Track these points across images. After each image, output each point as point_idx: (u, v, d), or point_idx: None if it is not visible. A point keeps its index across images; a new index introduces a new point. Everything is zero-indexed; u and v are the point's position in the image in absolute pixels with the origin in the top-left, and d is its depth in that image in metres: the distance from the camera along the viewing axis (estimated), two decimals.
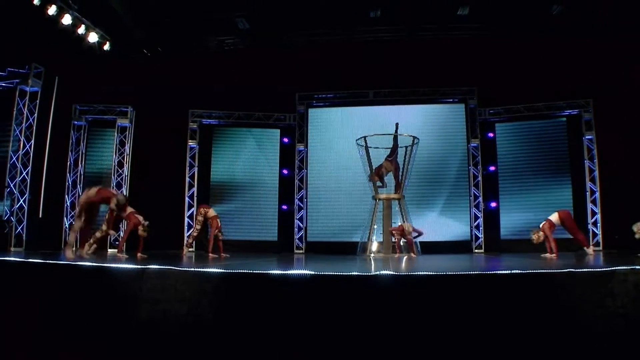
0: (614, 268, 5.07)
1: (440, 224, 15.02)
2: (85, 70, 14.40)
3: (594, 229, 14.08)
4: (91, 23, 13.14)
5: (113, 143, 14.87)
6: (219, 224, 11.66)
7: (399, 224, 12.72)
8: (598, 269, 5.19)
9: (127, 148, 14.85)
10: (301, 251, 15.24)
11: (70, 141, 14.74)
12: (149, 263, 6.22)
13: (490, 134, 15.53)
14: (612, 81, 13.81)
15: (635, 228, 9.46)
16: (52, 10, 12.04)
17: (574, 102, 14.74)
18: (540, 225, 10.48)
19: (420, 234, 12.54)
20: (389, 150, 13.60)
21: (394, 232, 12.47)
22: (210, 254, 11.29)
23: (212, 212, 11.76)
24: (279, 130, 16.12)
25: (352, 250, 13.74)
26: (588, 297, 5.02)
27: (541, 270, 5.34)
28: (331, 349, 5.01)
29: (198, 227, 11.79)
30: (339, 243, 14.83)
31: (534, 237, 10.42)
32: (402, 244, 12.54)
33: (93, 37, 13.36)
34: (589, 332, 4.92)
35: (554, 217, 10.56)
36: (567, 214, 10.74)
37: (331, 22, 14.54)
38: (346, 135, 15.00)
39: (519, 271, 5.23)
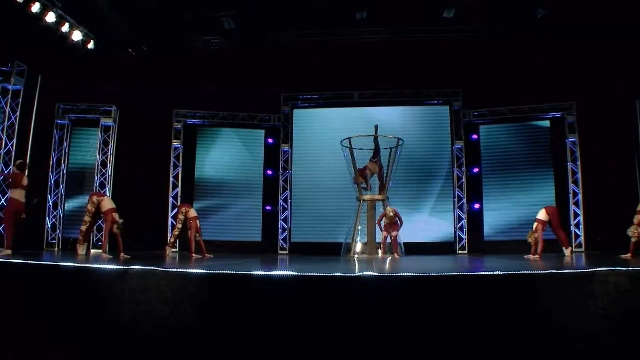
0: (595, 269, 5.11)
1: (424, 225, 15.06)
2: (68, 69, 14.29)
3: (577, 230, 14.19)
4: (75, 21, 13.04)
5: (96, 142, 14.75)
6: (198, 225, 11.62)
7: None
8: (579, 270, 5.23)
9: (111, 147, 14.75)
10: (285, 252, 15.22)
11: (53, 140, 14.62)
12: (132, 263, 6.18)
13: (474, 136, 15.61)
14: (596, 84, 13.93)
15: (629, 232, 9.52)
16: (35, 7, 11.91)
17: (558, 105, 14.86)
18: (534, 227, 10.55)
19: (400, 221, 12.54)
20: (373, 151, 13.64)
21: (382, 220, 12.51)
22: (192, 255, 11.25)
23: (192, 213, 11.71)
24: (263, 131, 16.11)
25: (336, 251, 13.74)
26: (569, 298, 5.06)
27: (523, 272, 5.38)
28: (314, 349, 5.01)
29: (179, 226, 11.74)
30: (323, 244, 14.81)
31: (531, 239, 10.50)
32: (387, 243, 12.53)
33: (77, 36, 13.27)
34: (571, 333, 4.96)
35: (542, 214, 10.63)
36: (554, 210, 10.82)
37: (317, 23, 14.52)
38: (331, 137, 14.96)
39: (501, 272, 5.26)
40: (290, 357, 5.04)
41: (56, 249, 14.11)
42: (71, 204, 14.67)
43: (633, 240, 9.33)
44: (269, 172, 15.86)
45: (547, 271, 5.26)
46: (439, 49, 15.12)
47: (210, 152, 15.80)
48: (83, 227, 10.33)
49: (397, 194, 14.32)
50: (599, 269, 5.12)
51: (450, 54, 15.13)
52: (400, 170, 14.16)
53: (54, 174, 14.58)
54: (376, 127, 13.92)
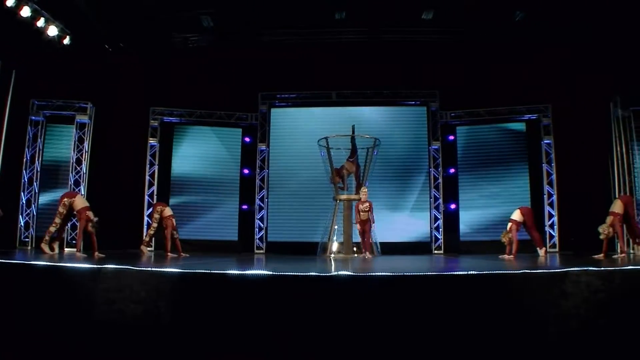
0: (567, 269, 5.17)
1: (400, 225, 15.12)
2: (44, 65, 14.09)
3: (551, 231, 14.35)
4: (51, 16, 12.85)
5: (71, 140, 14.56)
6: (174, 224, 11.55)
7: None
8: (552, 270, 5.29)
9: (86, 145, 14.53)
10: (262, 251, 15.18)
11: (27, 137, 14.36)
12: (106, 263, 6.12)
13: (451, 137, 15.70)
14: (571, 87, 14.13)
15: (600, 229, 9.66)
16: (10, 1, 11.67)
17: (534, 107, 15.00)
18: (508, 227, 10.66)
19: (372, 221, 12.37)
20: (350, 151, 13.69)
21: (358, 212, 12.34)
22: (168, 254, 11.18)
23: (168, 211, 11.63)
24: (240, 130, 16.03)
25: (313, 250, 13.74)
26: (542, 297, 5.12)
27: (497, 271, 5.43)
28: (288, 348, 5.00)
29: (155, 225, 11.67)
30: (299, 243, 14.80)
31: (505, 239, 10.59)
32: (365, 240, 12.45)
33: (52, 31, 13.05)
34: (544, 332, 5.01)
35: (517, 215, 10.75)
36: (528, 211, 10.94)
37: (296, 23, 14.52)
38: (308, 136, 14.93)
39: (476, 272, 5.30)
40: (264, 356, 5.03)
41: (29, 247, 13.91)
42: (46, 198, 14.43)
43: (601, 237, 9.49)
44: (246, 171, 15.81)
45: (521, 271, 5.32)
46: (417, 50, 15.23)
47: (187, 150, 15.68)
48: (52, 229, 10.15)
49: (374, 194, 14.34)
50: (572, 269, 5.18)
51: (428, 55, 15.24)
52: (378, 170, 14.22)
53: (28, 171, 14.35)
54: (353, 127, 13.96)
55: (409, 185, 15.41)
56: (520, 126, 15.36)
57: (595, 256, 9.31)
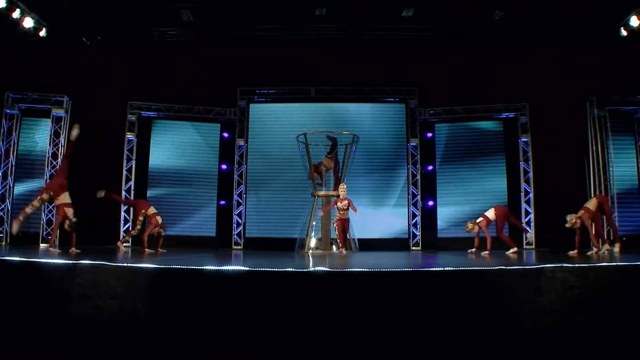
0: (542, 265, 5.23)
1: (378, 221, 15.20)
2: (19, 57, 13.90)
3: (527, 228, 14.50)
4: (27, 7, 12.68)
5: (47, 133, 14.40)
6: (159, 221, 11.44)
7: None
8: (527, 267, 5.35)
9: (62, 139, 14.37)
10: (239, 247, 15.14)
11: (2, 130, 14.17)
12: (81, 258, 6.06)
13: (429, 134, 15.80)
14: (548, 86, 14.27)
15: (568, 217, 9.84)
16: None
17: (511, 105, 15.17)
18: (478, 221, 10.76)
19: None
20: (329, 147, 13.71)
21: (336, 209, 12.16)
22: (145, 250, 11.11)
23: (151, 210, 11.54)
24: (219, 125, 15.97)
25: (291, 246, 13.77)
26: (518, 294, 5.17)
27: (473, 268, 5.48)
28: (265, 344, 5.01)
29: (138, 227, 11.58)
30: (278, 239, 14.83)
31: (469, 226, 10.73)
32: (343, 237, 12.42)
33: (28, 22, 12.88)
34: (519, 328, 5.07)
35: (490, 213, 10.85)
36: (502, 213, 11.01)
37: (276, 18, 14.48)
38: (287, 132, 14.96)
39: (452, 268, 5.35)
40: (241, 352, 5.03)
41: (4, 243, 13.74)
42: (20, 189, 14.26)
43: (567, 225, 9.70)
44: (224, 166, 15.76)
45: (497, 267, 5.37)
46: (397, 47, 15.32)
47: (164, 145, 15.57)
48: (28, 210, 9.84)
49: (351, 190, 14.38)
50: (547, 265, 5.25)
51: (408, 53, 15.33)
52: (356, 166, 14.29)
53: (2, 165, 14.16)
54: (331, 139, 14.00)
55: (387, 182, 15.48)
56: (498, 124, 15.51)
57: (570, 252, 9.47)
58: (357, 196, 14.02)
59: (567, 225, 9.78)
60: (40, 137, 14.56)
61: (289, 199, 15.28)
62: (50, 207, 13.87)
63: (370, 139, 14.91)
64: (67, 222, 9.59)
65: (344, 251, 12.03)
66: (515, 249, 10.80)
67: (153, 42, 15.29)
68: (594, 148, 14.02)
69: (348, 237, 12.56)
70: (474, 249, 10.74)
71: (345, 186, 12.29)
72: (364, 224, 13.95)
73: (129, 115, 15.23)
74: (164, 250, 11.30)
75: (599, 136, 13.99)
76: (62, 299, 5.36)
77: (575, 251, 9.60)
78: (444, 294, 5.16)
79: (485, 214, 10.85)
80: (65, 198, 9.94)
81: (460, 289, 5.20)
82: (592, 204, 10.11)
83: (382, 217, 15.28)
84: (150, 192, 15.03)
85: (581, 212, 9.88)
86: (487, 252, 10.34)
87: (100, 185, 11.78)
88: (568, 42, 13.84)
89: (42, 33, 13.46)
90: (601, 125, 14.04)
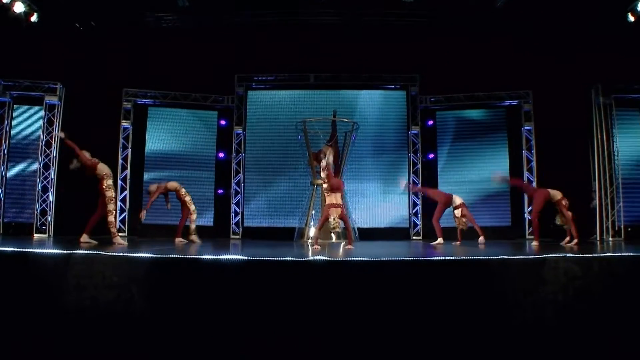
0: (546, 255, 5.22)
1: (379, 210, 15.17)
2: (10, 43, 13.79)
3: (529, 217, 14.46)
4: None
5: (41, 122, 14.33)
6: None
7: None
8: (530, 257, 5.33)
9: (56, 127, 14.32)
10: (238, 237, 15.12)
11: None
12: (76, 248, 6.05)
13: (430, 122, 15.75)
14: (552, 73, 14.18)
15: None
16: None
17: (514, 93, 15.11)
18: (460, 214, 10.91)
19: None
20: (329, 135, 13.65)
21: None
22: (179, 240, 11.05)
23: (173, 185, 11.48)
24: (216, 112, 15.89)
25: (290, 236, 13.74)
26: (520, 284, 5.16)
27: (475, 257, 5.46)
28: (264, 334, 5.00)
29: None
30: (276, 229, 14.82)
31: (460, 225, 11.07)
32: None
33: (19, 7, 12.74)
34: (521, 318, 5.06)
35: (457, 199, 11.32)
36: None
37: (274, 3, 14.40)
38: (286, 119, 14.92)
39: (453, 257, 5.33)
40: (239, 343, 5.02)
41: None
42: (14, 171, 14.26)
43: (557, 222, 9.81)
44: (222, 154, 15.70)
45: (499, 257, 5.35)
46: (397, 33, 15.19)
47: (161, 133, 15.48)
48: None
49: (352, 178, 14.39)
50: (550, 255, 5.23)
51: (408, 39, 15.19)
52: (356, 154, 14.29)
53: None
54: (334, 112, 13.91)
55: (387, 170, 15.41)
56: (500, 112, 15.44)
57: (568, 244, 9.58)
58: (355, 185, 14.05)
59: (558, 222, 9.96)
60: (33, 125, 14.45)
61: (288, 187, 15.24)
62: (44, 196, 13.88)
63: (365, 126, 14.82)
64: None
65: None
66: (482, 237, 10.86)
67: (148, 28, 15.18)
68: (599, 136, 13.96)
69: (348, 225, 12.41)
70: (458, 242, 10.80)
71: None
72: (364, 213, 13.92)
73: (125, 103, 15.13)
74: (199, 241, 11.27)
75: (604, 124, 13.93)
76: (56, 290, 5.35)
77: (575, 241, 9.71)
78: (445, 283, 5.15)
79: (456, 202, 11.00)
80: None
81: (462, 278, 5.18)
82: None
83: (380, 205, 15.23)
84: (145, 180, 14.94)
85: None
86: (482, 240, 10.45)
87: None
88: (573, 27, 13.74)
89: (34, 18, 13.32)
90: (606, 113, 13.98)
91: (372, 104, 15.74)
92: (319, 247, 9.01)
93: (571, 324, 5.03)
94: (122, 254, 5.50)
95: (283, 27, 15.15)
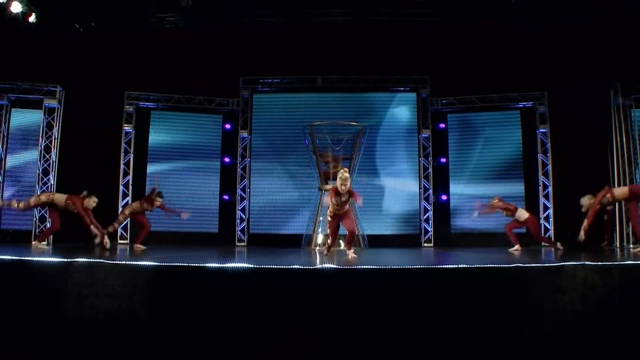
0: (563, 263, 5.18)
1: (388, 217, 15.13)
2: (7, 44, 13.84)
3: (546, 224, 14.41)
4: None
5: (39, 125, 14.37)
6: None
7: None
8: (547, 264, 5.30)
9: (56, 131, 14.36)
10: (243, 244, 15.10)
11: None
12: (76, 255, 6.05)
13: (442, 125, 15.69)
14: (569, 73, 14.09)
15: (582, 201, 9.86)
16: None
17: (529, 94, 15.03)
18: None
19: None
20: (336, 139, 13.64)
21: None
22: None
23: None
24: (221, 116, 15.91)
25: (297, 243, 13.73)
26: (537, 292, 5.12)
27: (489, 265, 5.43)
28: (270, 343, 4.98)
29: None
30: (283, 235, 14.81)
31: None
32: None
33: (16, 7, 12.72)
34: (538, 328, 5.02)
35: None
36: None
37: (279, 3, 14.40)
38: (292, 123, 14.93)
39: (466, 265, 5.30)
40: (245, 354, 5.01)
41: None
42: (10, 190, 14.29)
43: (584, 210, 9.66)
44: (227, 159, 15.71)
45: (514, 265, 5.32)
46: (407, 33, 15.11)
47: (164, 137, 15.52)
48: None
49: (361, 183, 14.37)
50: (568, 263, 5.20)
51: (419, 39, 15.12)
52: (365, 159, 14.29)
53: None
54: None
55: (397, 175, 15.37)
56: (514, 114, 15.38)
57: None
58: (364, 191, 13.99)
59: (584, 210, 9.79)
60: (31, 129, 14.48)
61: (295, 193, 15.24)
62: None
63: (374, 130, 14.82)
64: None
65: (352, 254, 9.07)
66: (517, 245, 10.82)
67: (151, 29, 15.20)
68: (618, 139, 13.86)
69: (356, 232, 12.43)
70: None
71: (347, 174, 8.92)
72: (373, 220, 13.92)
73: (126, 106, 15.18)
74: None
75: (624, 126, 13.82)
76: (56, 299, 5.36)
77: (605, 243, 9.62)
78: (459, 292, 5.12)
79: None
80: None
81: (476, 287, 5.15)
82: (620, 191, 10.05)
83: (390, 211, 15.20)
84: (149, 187, 14.96)
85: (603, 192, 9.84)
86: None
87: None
88: (590, 24, 13.64)
89: (32, 19, 13.29)
90: (626, 114, 13.87)
91: (382, 106, 15.70)
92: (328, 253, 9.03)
93: (589, 335, 4.99)
94: (124, 262, 5.50)
95: (289, 27, 15.13)
